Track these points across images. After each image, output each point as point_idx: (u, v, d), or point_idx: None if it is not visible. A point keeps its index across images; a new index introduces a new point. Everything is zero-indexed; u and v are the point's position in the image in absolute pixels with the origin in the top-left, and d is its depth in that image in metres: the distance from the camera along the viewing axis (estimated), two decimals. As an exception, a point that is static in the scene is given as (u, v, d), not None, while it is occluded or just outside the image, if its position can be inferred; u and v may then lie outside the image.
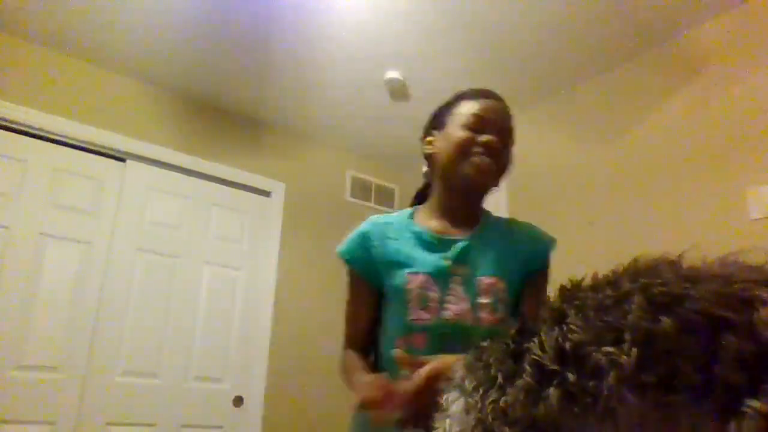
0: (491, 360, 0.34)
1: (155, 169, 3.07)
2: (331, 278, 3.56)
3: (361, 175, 3.87)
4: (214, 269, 3.15)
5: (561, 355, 0.31)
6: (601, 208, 2.71)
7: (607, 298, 0.33)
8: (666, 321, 0.29)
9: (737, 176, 2.22)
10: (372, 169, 3.94)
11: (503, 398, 0.32)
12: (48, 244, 2.69)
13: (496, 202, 3.25)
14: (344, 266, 1.20)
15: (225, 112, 3.37)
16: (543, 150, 3.08)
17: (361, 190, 3.85)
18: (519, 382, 0.32)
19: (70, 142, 2.84)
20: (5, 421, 2.44)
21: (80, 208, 2.82)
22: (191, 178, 3.19)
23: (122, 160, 2.99)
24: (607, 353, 0.30)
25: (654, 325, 0.30)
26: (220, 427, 2.98)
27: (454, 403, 0.35)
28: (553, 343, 0.32)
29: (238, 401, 3.05)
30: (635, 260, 0.36)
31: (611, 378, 0.29)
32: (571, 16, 2.46)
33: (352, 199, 3.78)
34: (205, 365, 3.00)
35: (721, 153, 2.29)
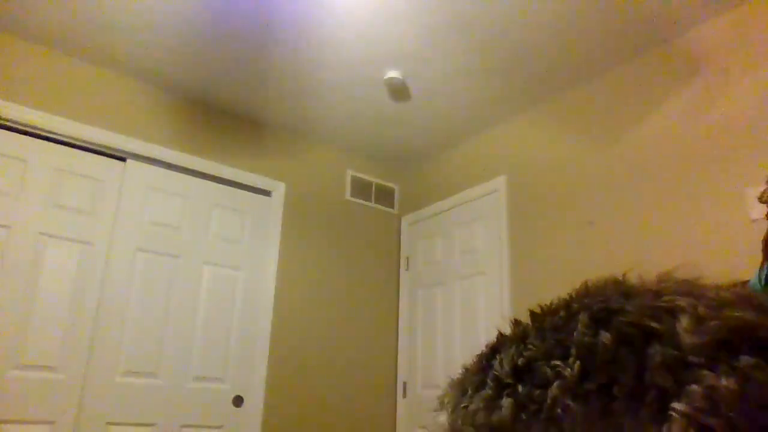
0: (468, 374, 0.39)
1: (155, 169, 3.08)
2: (331, 278, 3.56)
3: (361, 175, 3.87)
4: (214, 269, 3.15)
5: (515, 370, 0.35)
6: (601, 208, 2.71)
7: (560, 318, 0.36)
8: (604, 334, 0.32)
9: (737, 176, 2.23)
10: (372, 169, 3.94)
11: (470, 406, 0.36)
12: (48, 244, 2.69)
13: (496, 202, 3.25)
14: None
15: (225, 112, 3.37)
16: (543, 149, 3.08)
17: (361, 190, 3.85)
18: (482, 393, 0.35)
19: (70, 142, 2.84)
20: (5, 421, 2.44)
21: (80, 208, 2.82)
22: (191, 178, 3.19)
23: (122, 160, 2.99)
24: (554, 366, 0.33)
25: (594, 338, 0.32)
26: (220, 427, 2.98)
27: (439, 413, 0.40)
28: (509, 360, 0.36)
29: (238, 401, 3.06)
30: (585, 283, 0.40)
31: (554, 388, 0.32)
32: (571, 16, 2.46)
33: (352, 199, 3.78)
34: (205, 365, 3.00)
35: (721, 153, 2.29)
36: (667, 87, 2.56)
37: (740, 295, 0.33)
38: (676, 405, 0.28)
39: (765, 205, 1.22)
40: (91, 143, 2.89)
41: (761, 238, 1.17)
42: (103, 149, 2.93)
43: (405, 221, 3.94)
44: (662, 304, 0.33)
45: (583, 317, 0.34)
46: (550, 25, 2.53)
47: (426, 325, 3.57)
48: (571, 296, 0.39)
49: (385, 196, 3.96)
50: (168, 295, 2.97)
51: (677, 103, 2.50)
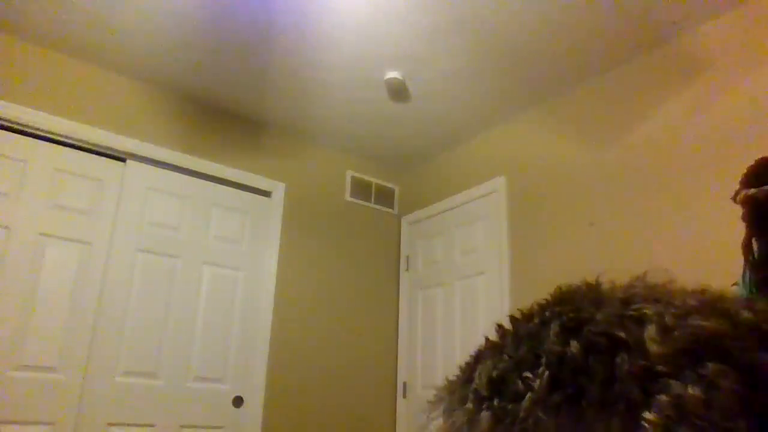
0: (453, 386, 0.39)
1: (155, 169, 3.08)
2: (331, 278, 3.56)
3: (361, 175, 3.87)
4: (214, 269, 3.15)
5: (491, 382, 0.35)
6: (601, 208, 2.71)
7: (534, 326, 0.37)
8: (574, 344, 0.33)
9: (737, 177, 2.22)
10: (372, 169, 3.94)
11: (452, 420, 0.37)
12: (48, 244, 2.69)
13: (496, 202, 3.25)
14: None
15: (225, 112, 3.37)
16: (543, 150, 3.08)
17: (361, 190, 3.85)
18: (466, 407, 0.36)
19: (70, 142, 2.84)
20: (5, 421, 2.44)
21: (80, 208, 2.82)
22: (191, 178, 3.19)
23: (122, 160, 2.99)
24: (525, 378, 0.33)
25: (564, 348, 0.33)
26: (220, 427, 2.98)
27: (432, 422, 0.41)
28: (486, 372, 0.36)
29: (238, 401, 3.06)
30: (559, 288, 0.40)
31: (526, 401, 0.32)
32: (571, 16, 2.46)
33: (352, 199, 3.78)
34: (205, 365, 3.00)
35: (721, 153, 2.29)
36: (667, 87, 2.56)
37: (706, 302, 0.34)
38: (646, 415, 0.29)
39: (740, 206, 1.22)
40: (91, 143, 2.89)
41: (740, 241, 1.17)
42: (103, 149, 2.93)
43: (405, 221, 3.94)
44: (630, 313, 0.33)
45: (554, 326, 0.35)
46: (549, 26, 2.53)
47: (426, 325, 3.57)
48: (546, 302, 0.39)
49: (385, 196, 3.96)
50: (168, 296, 2.97)
51: (677, 104, 2.50)
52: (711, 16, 2.42)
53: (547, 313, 0.37)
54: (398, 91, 3.07)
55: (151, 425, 2.79)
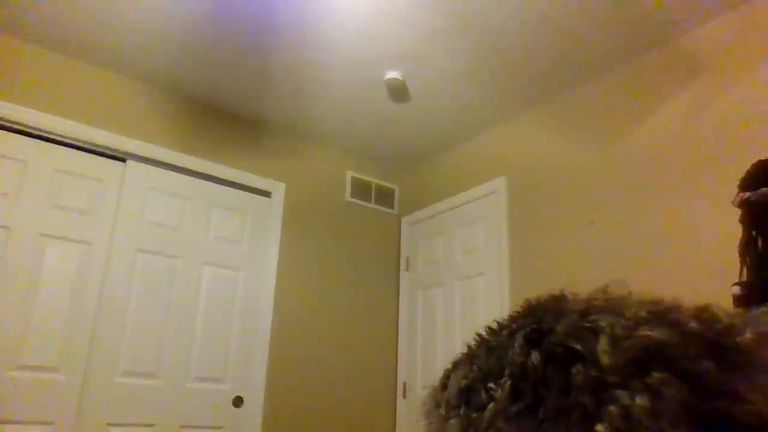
0: (433, 391, 0.41)
1: (155, 169, 3.08)
2: (331, 278, 3.56)
3: (361, 175, 3.87)
4: (214, 270, 3.15)
5: (459, 392, 0.37)
6: (601, 208, 2.71)
7: (503, 338, 0.38)
8: (535, 355, 0.34)
9: (737, 177, 2.22)
10: (372, 169, 3.94)
11: (431, 423, 0.39)
12: (48, 244, 2.69)
13: (496, 203, 3.25)
14: None
15: (225, 112, 3.37)
16: (543, 150, 3.08)
17: (361, 190, 3.85)
18: (439, 412, 0.38)
19: (70, 142, 2.84)
20: (5, 421, 2.44)
21: (80, 208, 2.82)
22: (191, 178, 3.19)
23: (122, 160, 2.99)
24: (489, 389, 0.35)
25: (526, 359, 0.34)
26: (220, 427, 2.98)
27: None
28: (456, 381, 0.38)
29: (238, 401, 3.06)
30: (528, 301, 0.42)
31: (488, 410, 0.34)
32: (571, 16, 2.46)
33: (352, 200, 3.78)
34: (205, 365, 3.00)
35: (721, 153, 2.29)
36: (667, 87, 2.56)
37: (656, 312, 0.35)
38: (598, 427, 0.30)
39: (739, 209, 1.23)
40: (91, 144, 2.89)
41: (737, 244, 1.17)
42: (103, 150, 2.93)
43: (405, 222, 3.94)
44: (586, 324, 0.35)
45: (519, 338, 0.36)
46: (549, 26, 2.53)
47: (426, 325, 3.57)
48: (516, 314, 0.41)
49: (385, 196, 3.96)
50: (168, 296, 2.97)
51: (677, 104, 2.50)
52: (711, 16, 2.42)
53: (514, 325, 0.39)
54: (398, 91, 3.07)
55: (151, 425, 2.79)
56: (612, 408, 0.30)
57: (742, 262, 1.17)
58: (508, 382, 0.34)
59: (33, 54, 2.80)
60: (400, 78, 2.94)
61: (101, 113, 2.95)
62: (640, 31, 2.54)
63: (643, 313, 0.35)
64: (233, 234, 3.27)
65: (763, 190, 1.18)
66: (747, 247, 1.15)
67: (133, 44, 2.79)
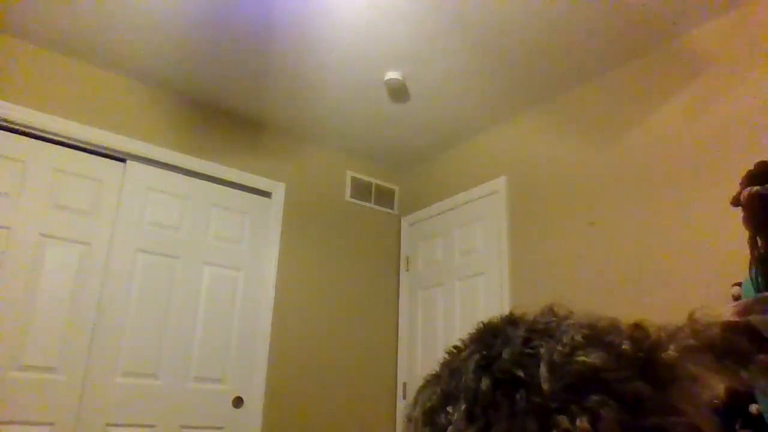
0: (406, 410, 0.45)
1: (155, 169, 3.07)
2: (331, 279, 3.56)
3: (361, 176, 3.87)
4: (214, 270, 3.15)
5: (424, 413, 0.40)
6: (601, 209, 2.71)
7: (461, 361, 0.41)
8: (485, 381, 0.36)
9: (737, 177, 2.22)
10: (372, 169, 3.94)
11: None
12: (48, 244, 2.69)
13: (496, 203, 3.25)
14: None
15: (225, 112, 3.37)
16: (543, 150, 3.08)
17: (361, 190, 3.85)
18: (410, 428, 0.41)
19: (70, 142, 2.84)
20: (5, 421, 2.44)
21: (80, 208, 2.82)
22: (191, 178, 3.19)
23: (122, 160, 2.99)
24: (447, 412, 0.37)
25: (478, 384, 0.37)
26: (220, 428, 2.98)
27: None
28: (422, 403, 0.41)
29: (238, 402, 3.05)
30: (481, 324, 0.44)
31: None
32: (571, 17, 2.46)
33: (352, 200, 3.78)
34: (205, 366, 3.00)
35: (721, 153, 2.29)
36: (667, 87, 2.56)
37: (591, 336, 0.37)
38: None
39: (742, 205, 1.23)
40: (91, 144, 2.89)
41: (745, 240, 1.17)
42: (103, 150, 2.93)
43: (405, 222, 3.94)
44: (528, 351, 0.37)
45: (471, 363, 0.39)
46: (549, 26, 2.53)
47: (426, 325, 3.57)
48: (470, 337, 0.43)
49: (385, 196, 3.96)
50: (168, 296, 2.97)
51: (677, 104, 2.50)
52: (711, 16, 2.42)
53: (469, 349, 0.41)
54: (398, 91, 3.07)
55: (151, 426, 2.79)
56: None
57: (752, 256, 1.17)
58: (463, 406, 0.36)
59: (33, 54, 2.80)
60: (400, 78, 2.94)
61: (101, 113, 2.95)
62: (640, 32, 2.53)
63: (579, 338, 0.36)
64: (233, 234, 3.27)
65: None
66: (755, 241, 1.15)
67: (133, 44, 2.79)
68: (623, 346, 0.36)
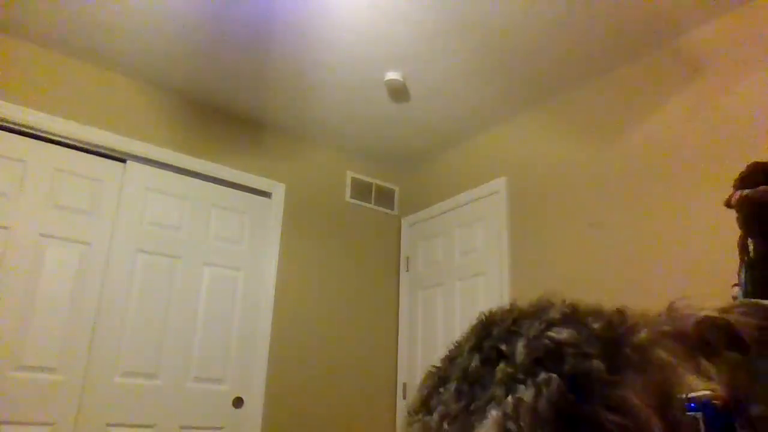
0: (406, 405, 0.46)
1: (155, 170, 3.08)
2: (331, 279, 3.56)
3: (361, 176, 3.87)
4: (214, 270, 3.15)
5: (421, 399, 0.43)
6: (601, 209, 2.71)
7: (458, 349, 0.44)
8: (476, 357, 0.39)
9: (736, 177, 2.22)
10: (372, 170, 3.94)
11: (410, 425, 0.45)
12: (48, 244, 2.69)
13: (497, 203, 3.25)
14: None
15: (225, 112, 3.37)
16: (543, 150, 3.08)
17: (361, 190, 3.85)
18: (406, 419, 0.44)
19: (70, 142, 2.84)
20: (5, 421, 2.44)
21: (80, 209, 2.82)
22: (191, 179, 3.19)
23: (122, 160, 2.99)
24: (439, 393, 0.40)
25: (468, 363, 0.39)
26: (220, 428, 2.98)
27: None
28: (420, 391, 0.44)
29: (238, 402, 3.05)
30: (482, 314, 0.47)
31: (436, 415, 0.39)
32: (571, 17, 2.46)
33: (352, 200, 3.78)
34: (205, 366, 3.00)
35: (721, 154, 2.29)
36: (668, 87, 2.56)
37: (569, 315, 0.38)
38: (492, 410, 0.34)
39: (735, 208, 1.22)
40: (91, 144, 2.89)
41: (736, 242, 1.17)
42: (103, 150, 2.93)
43: (405, 222, 3.94)
44: (513, 328, 0.40)
45: (465, 346, 0.42)
46: (550, 26, 2.53)
47: (426, 325, 3.57)
48: (472, 326, 0.46)
49: (385, 197, 3.96)
50: (168, 296, 2.97)
51: (677, 104, 2.50)
52: (711, 16, 2.42)
53: (465, 338, 0.44)
54: (398, 92, 3.07)
55: (151, 426, 2.79)
56: (509, 398, 0.34)
57: (741, 260, 1.16)
58: (454, 386, 0.39)
59: (33, 54, 2.80)
60: (400, 78, 2.94)
61: (101, 113, 2.95)
62: (640, 32, 2.54)
63: (557, 316, 0.38)
64: (233, 234, 3.27)
65: (763, 188, 1.17)
66: (746, 244, 1.15)
67: (133, 45, 2.79)
68: (594, 326, 0.37)
